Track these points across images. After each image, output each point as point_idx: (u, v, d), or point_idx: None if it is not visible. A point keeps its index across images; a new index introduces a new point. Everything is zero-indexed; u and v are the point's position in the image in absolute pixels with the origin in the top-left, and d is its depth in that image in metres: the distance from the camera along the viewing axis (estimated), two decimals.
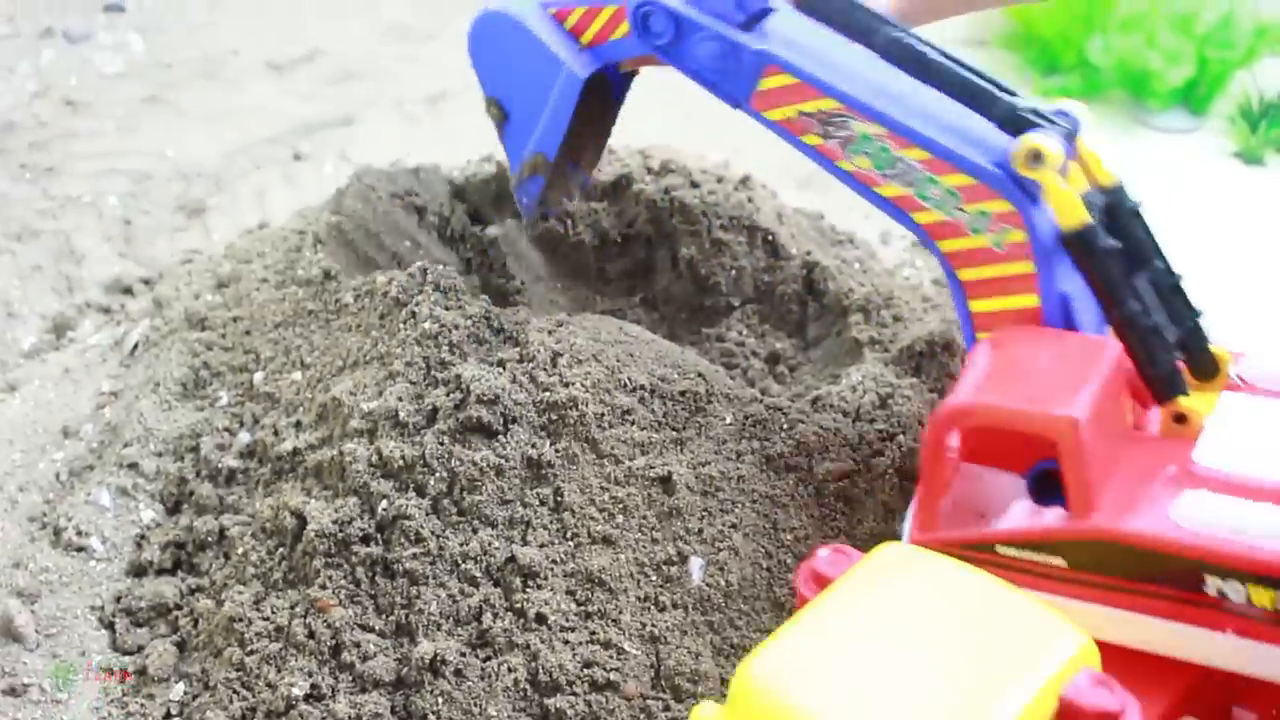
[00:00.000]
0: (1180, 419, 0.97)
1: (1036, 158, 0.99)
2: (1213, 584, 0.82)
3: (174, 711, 1.18)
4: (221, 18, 2.71)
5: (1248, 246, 2.19)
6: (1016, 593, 0.77)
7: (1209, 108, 2.54)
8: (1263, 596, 0.81)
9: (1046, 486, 0.93)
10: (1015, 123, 1.02)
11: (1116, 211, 1.05)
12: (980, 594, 0.77)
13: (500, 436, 1.15)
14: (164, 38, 2.60)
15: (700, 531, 1.13)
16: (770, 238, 1.50)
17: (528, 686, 1.09)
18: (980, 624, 0.75)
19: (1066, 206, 1.00)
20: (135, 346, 1.58)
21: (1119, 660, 0.83)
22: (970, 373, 0.94)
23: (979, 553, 0.89)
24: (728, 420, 1.20)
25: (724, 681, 1.10)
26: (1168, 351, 0.99)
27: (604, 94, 1.35)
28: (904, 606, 0.77)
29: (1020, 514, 0.94)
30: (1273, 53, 2.51)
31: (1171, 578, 0.84)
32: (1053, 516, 0.92)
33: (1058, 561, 0.87)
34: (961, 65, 1.07)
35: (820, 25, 1.14)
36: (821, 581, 0.81)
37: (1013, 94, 1.05)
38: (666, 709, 1.08)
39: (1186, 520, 0.84)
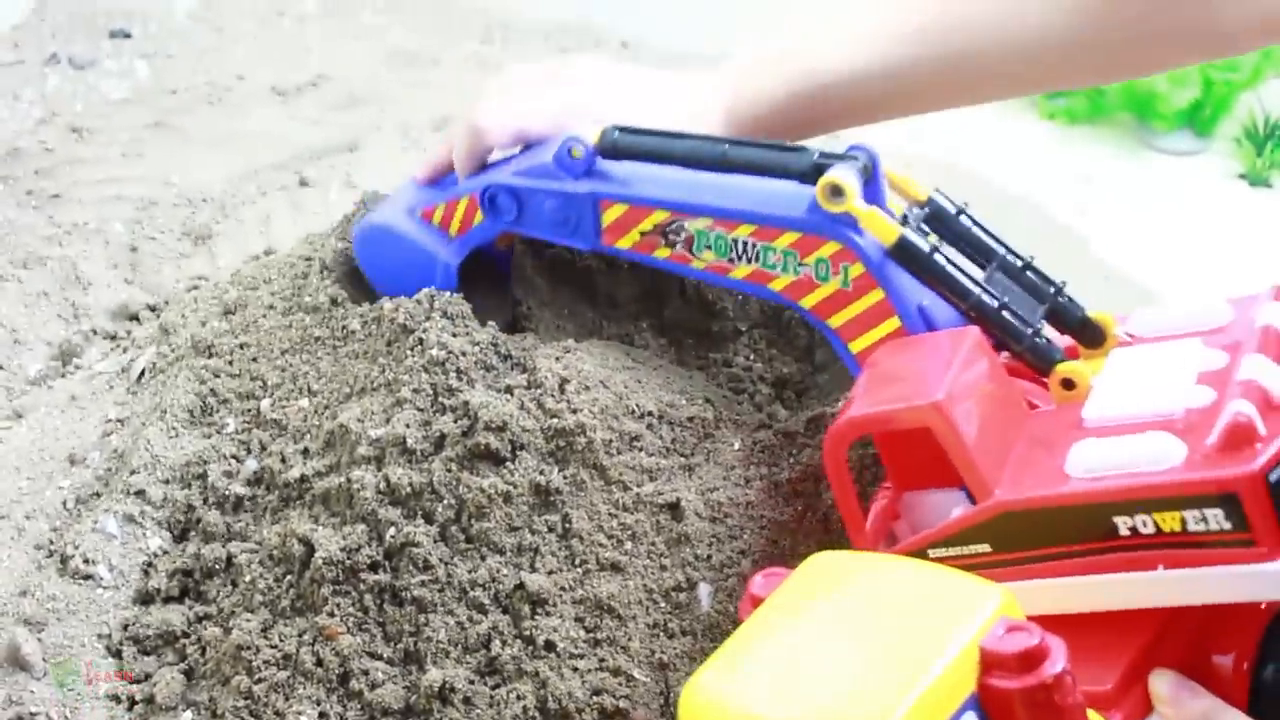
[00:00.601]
0: (1069, 385, 0.99)
1: (836, 192, 1.05)
2: (1123, 524, 0.84)
3: None
4: (226, 44, 2.71)
5: (1253, 268, 2.19)
6: (938, 568, 0.78)
7: (1214, 130, 2.55)
8: (1169, 521, 0.83)
9: None
10: (814, 171, 1.09)
11: (941, 218, 1.11)
12: (903, 576, 0.78)
13: (508, 463, 1.15)
14: (169, 64, 2.61)
15: (709, 558, 1.13)
16: None
17: (537, 714, 1.08)
18: (906, 603, 0.76)
19: (878, 227, 1.06)
20: (142, 373, 1.57)
21: (1073, 630, 0.84)
22: (850, 397, 0.99)
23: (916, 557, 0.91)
24: (736, 446, 1.20)
25: None
26: (1027, 325, 1.03)
27: (490, 265, 1.42)
28: (833, 603, 0.78)
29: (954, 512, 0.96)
30: (1278, 75, 2.52)
31: (1087, 532, 0.85)
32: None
33: (984, 548, 0.89)
34: (751, 144, 1.16)
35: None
36: (758, 604, 0.82)
37: (803, 149, 1.12)
38: None
39: (1080, 471, 0.86)
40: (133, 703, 1.22)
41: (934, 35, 1.31)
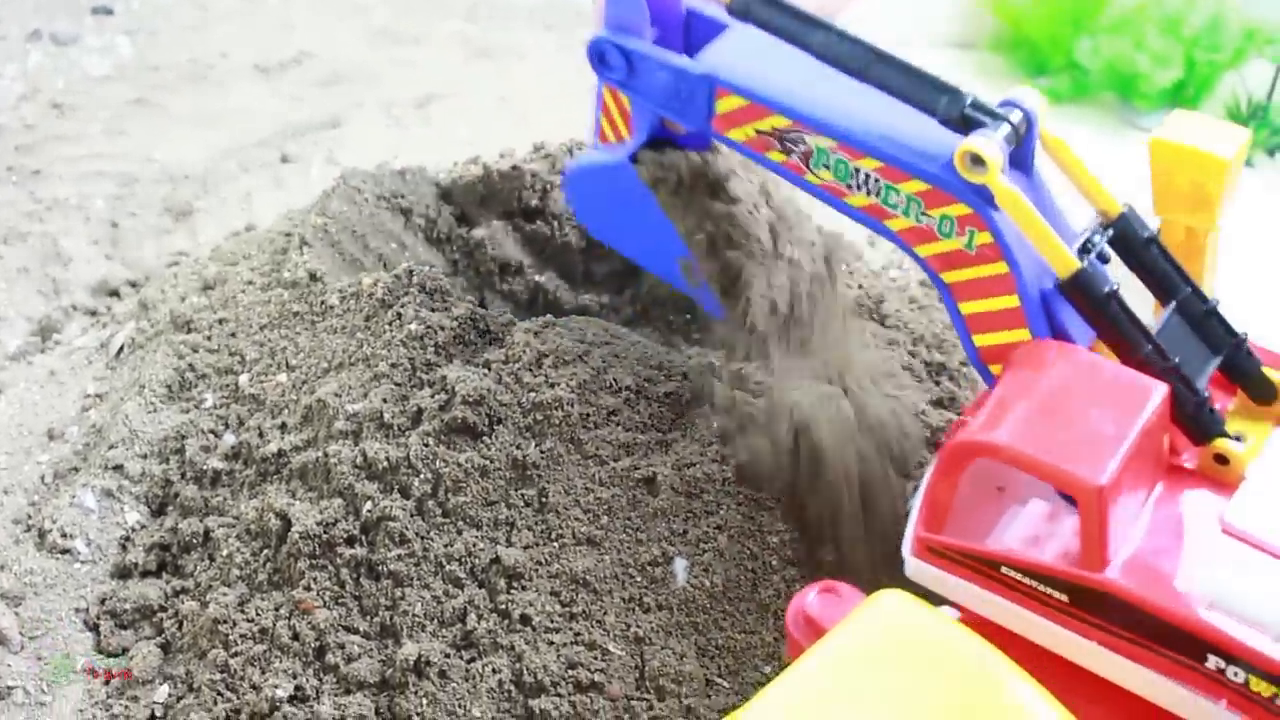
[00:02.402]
0: (1222, 460, 0.93)
1: (976, 161, 0.96)
2: (1216, 662, 0.82)
3: (158, 714, 1.17)
4: (209, 21, 2.70)
5: (1235, 247, 2.20)
6: (1009, 666, 0.75)
7: (1197, 109, 2.55)
8: (1262, 686, 0.81)
9: None
10: (962, 121, 1.00)
11: (1128, 242, 1.02)
12: (976, 666, 0.76)
13: (485, 438, 1.15)
14: (152, 40, 2.59)
15: (685, 533, 1.13)
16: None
17: (512, 687, 1.08)
18: (972, 698, 0.74)
19: (1021, 213, 0.97)
20: (121, 349, 1.57)
21: (1071, 678, 0.85)
22: (998, 397, 0.91)
23: (983, 566, 0.88)
24: (712, 422, 1.19)
25: (708, 683, 1.09)
26: (1194, 393, 0.94)
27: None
28: (898, 671, 0.75)
29: (1036, 518, 0.93)
30: (1260, 54, 2.52)
31: (1174, 644, 0.83)
32: (1068, 528, 0.91)
33: (1060, 596, 0.86)
34: (898, 65, 1.05)
35: (762, 33, 1.11)
36: (812, 624, 0.80)
37: (955, 91, 1.02)
38: (650, 709, 1.08)
39: (1201, 596, 0.83)
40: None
41: None
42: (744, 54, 1.12)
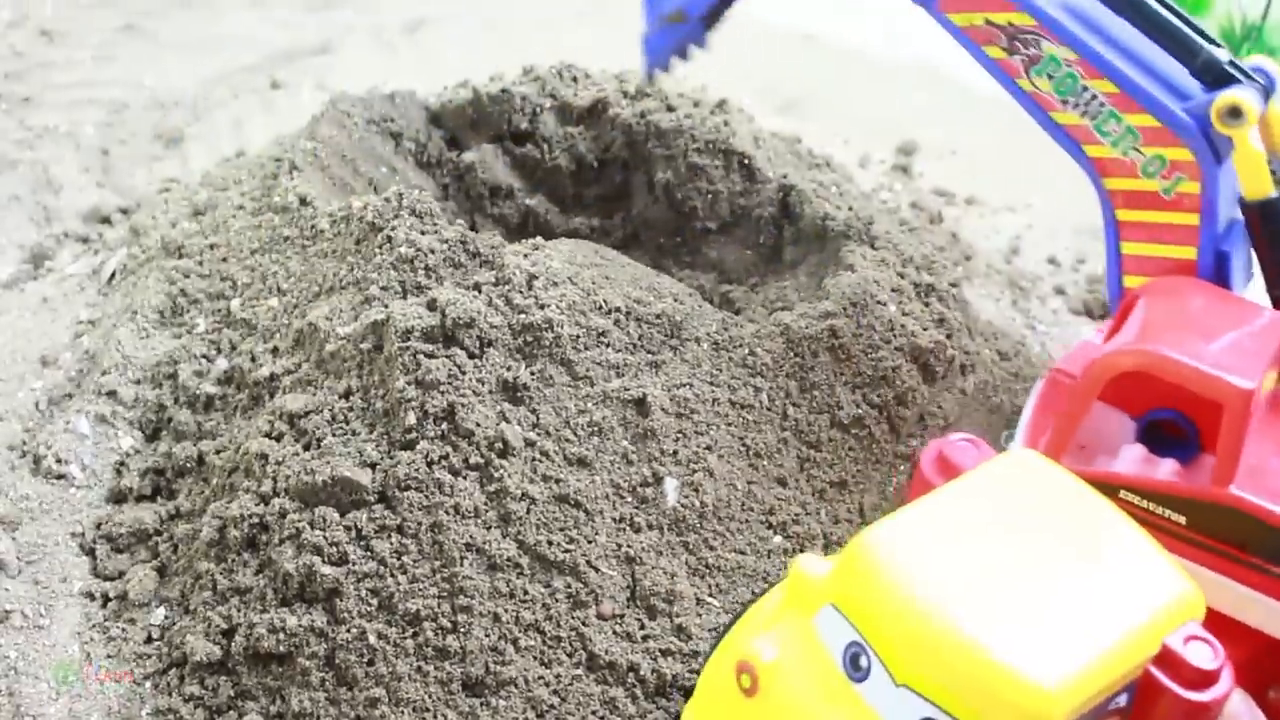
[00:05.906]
0: None
1: (1235, 114, 0.93)
2: None
3: (155, 635, 1.18)
4: None
5: None
6: (1139, 530, 0.76)
7: None
8: None
9: (1157, 436, 0.94)
10: (1214, 74, 0.96)
11: None
12: (1104, 521, 0.77)
13: (476, 359, 1.15)
14: None
15: (675, 453, 1.14)
16: (746, 161, 1.50)
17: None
18: (1098, 550, 0.75)
19: (1255, 173, 0.94)
20: (113, 275, 1.57)
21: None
22: (1140, 321, 0.91)
23: (1100, 489, 0.88)
24: (703, 343, 1.20)
25: (699, 601, 1.10)
26: None
27: None
28: (1027, 514, 0.77)
29: (1133, 459, 0.93)
30: None
31: None
32: (1167, 469, 0.92)
33: (1178, 518, 0.87)
34: (1164, 6, 1.00)
35: None
36: (948, 468, 0.81)
37: (1213, 43, 0.98)
38: (642, 627, 1.09)
39: None
40: (106, 599, 1.22)
41: None
42: None
